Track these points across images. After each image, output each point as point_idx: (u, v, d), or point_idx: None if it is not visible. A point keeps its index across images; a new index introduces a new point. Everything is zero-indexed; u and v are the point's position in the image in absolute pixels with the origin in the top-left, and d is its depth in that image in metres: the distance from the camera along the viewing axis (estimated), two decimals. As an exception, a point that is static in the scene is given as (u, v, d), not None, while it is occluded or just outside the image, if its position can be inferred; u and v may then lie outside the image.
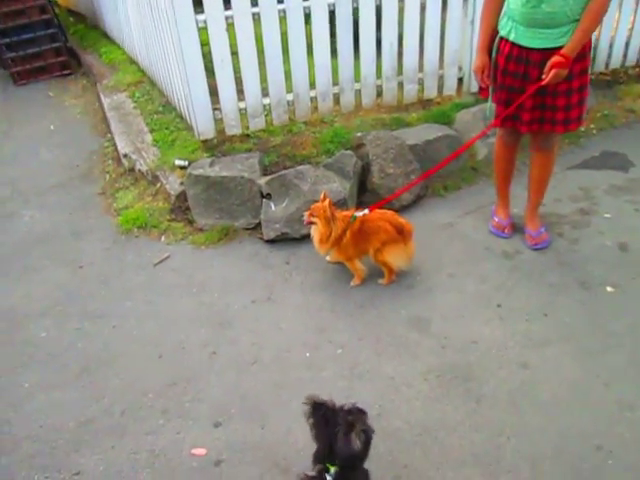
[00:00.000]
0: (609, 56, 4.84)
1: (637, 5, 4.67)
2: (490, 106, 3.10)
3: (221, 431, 2.39)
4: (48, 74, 6.64)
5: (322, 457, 1.80)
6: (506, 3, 2.82)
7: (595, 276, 3.07)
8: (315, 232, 3.01)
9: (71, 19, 8.42)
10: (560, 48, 2.68)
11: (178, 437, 2.38)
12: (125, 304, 3.13)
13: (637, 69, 5.02)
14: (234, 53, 3.75)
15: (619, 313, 2.83)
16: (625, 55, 4.89)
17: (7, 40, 6.33)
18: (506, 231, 3.41)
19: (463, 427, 2.33)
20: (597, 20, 2.65)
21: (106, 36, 6.92)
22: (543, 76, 2.74)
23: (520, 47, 2.79)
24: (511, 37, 2.80)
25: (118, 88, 5.40)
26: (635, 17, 4.73)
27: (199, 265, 3.38)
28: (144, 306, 3.11)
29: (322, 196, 2.99)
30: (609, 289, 2.98)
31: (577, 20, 2.64)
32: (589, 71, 2.89)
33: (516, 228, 3.44)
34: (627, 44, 4.83)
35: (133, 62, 5.85)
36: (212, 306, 3.07)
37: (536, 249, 3.29)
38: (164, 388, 2.61)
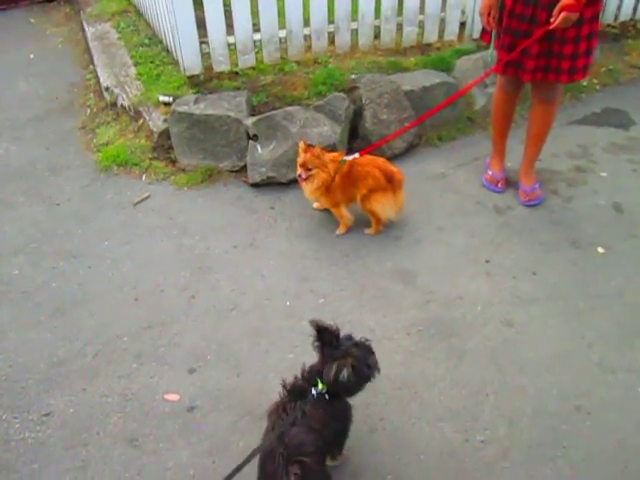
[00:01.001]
0: (619, 8, 4.62)
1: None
2: (492, 52, 2.93)
3: (196, 377, 2.34)
4: (29, -1, 6.27)
5: (316, 372, 1.80)
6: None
7: (587, 236, 3.00)
8: (312, 181, 2.85)
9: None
10: (571, -10, 2.50)
11: (151, 381, 2.33)
12: (102, 244, 3.02)
13: (647, 23, 4.81)
14: (224, -18, 3.52)
15: (609, 275, 2.77)
16: (636, 8, 4.67)
17: (-16, -39, 5.93)
18: (499, 185, 3.31)
19: (443, 383, 2.29)
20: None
21: (91, -40, 6.50)
22: (551, 19, 2.57)
23: (529, -13, 2.61)
24: (520, -24, 2.61)
25: (102, 17, 5.09)
26: (650, -34, 4.50)
27: (180, 206, 3.26)
28: (122, 247, 3.00)
29: (303, 145, 2.83)
30: (600, 250, 2.91)
31: (592, -40, 2.46)
32: (599, 18, 2.72)
33: (509, 183, 3.34)
34: (639, -5, 4.61)
35: (119, -11, 5.51)
36: (192, 249, 2.97)
37: (529, 205, 3.19)
38: (139, 331, 2.54)
